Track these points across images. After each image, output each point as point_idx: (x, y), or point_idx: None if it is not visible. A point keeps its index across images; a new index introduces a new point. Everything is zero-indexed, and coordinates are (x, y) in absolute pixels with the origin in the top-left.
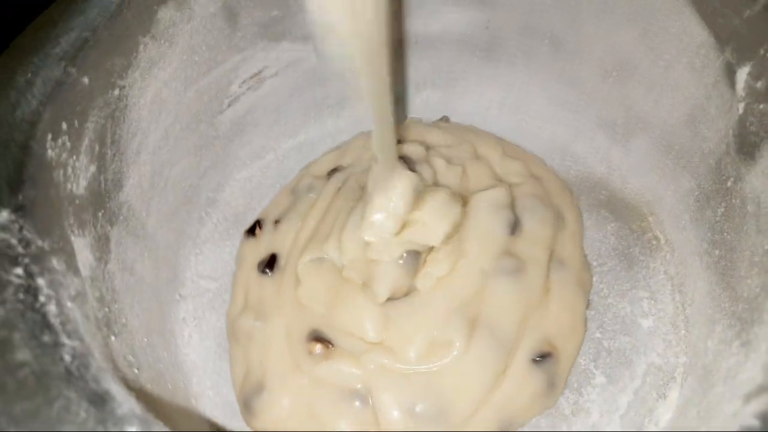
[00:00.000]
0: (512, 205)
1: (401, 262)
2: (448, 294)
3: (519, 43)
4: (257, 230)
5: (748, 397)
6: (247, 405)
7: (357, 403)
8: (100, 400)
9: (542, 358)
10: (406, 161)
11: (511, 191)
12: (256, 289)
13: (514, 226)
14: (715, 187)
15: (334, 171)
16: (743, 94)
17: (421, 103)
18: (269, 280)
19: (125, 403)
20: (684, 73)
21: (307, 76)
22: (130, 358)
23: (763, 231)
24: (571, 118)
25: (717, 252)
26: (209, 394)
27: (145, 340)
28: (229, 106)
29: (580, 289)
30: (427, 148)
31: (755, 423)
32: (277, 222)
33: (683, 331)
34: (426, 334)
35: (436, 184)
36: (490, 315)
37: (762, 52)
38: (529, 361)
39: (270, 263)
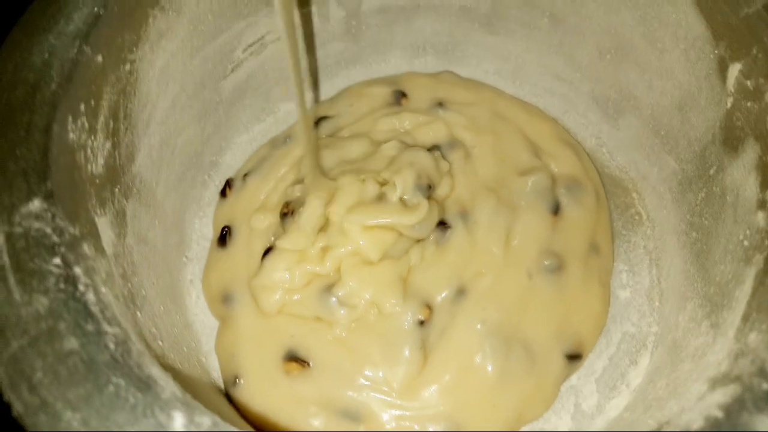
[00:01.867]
0: (553, 188)
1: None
2: (487, 310)
3: (519, 16)
4: (227, 190)
5: (714, 383)
6: (226, 388)
7: (349, 421)
8: (145, 386)
9: (572, 359)
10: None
11: (550, 170)
12: (215, 266)
13: (556, 210)
14: (698, 172)
15: (321, 120)
16: (733, 90)
17: (419, 67)
18: (226, 256)
19: (167, 387)
20: (678, 62)
21: (308, 39)
22: (154, 330)
23: (740, 222)
24: (564, 91)
25: (694, 234)
26: None
27: (162, 308)
28: (232, 71)
29: (608, 278)
30: (440, 103)
31: (719, 415)
32: (246, 176)
33: (657, 303)
34: (455, 367)
35: (467, 156)
36: (529, 327)
37: (755, 51)
38: (564, 360)
39: (223, 237)
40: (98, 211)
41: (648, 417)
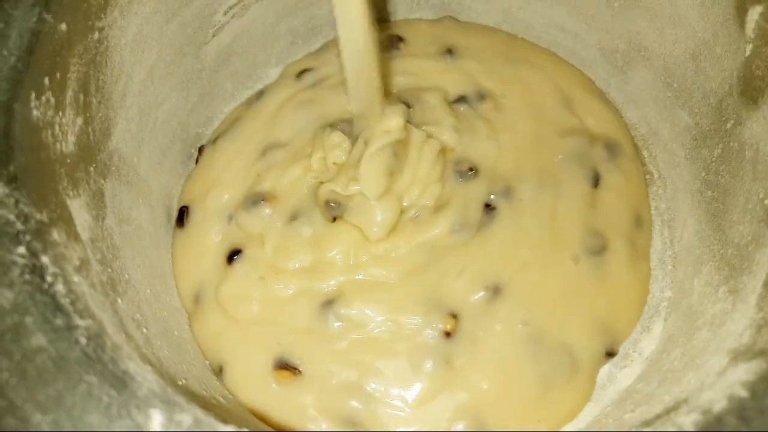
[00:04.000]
0: (590, 151)
1: None
2: (531, 309)
3: None
4: (198, 157)
5: (736, 357)
6: (215, 373)
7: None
8: (120, 383)
9: (610, 355)
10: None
11: (587, 128)
12: (179, 253)
13: (596, 181)
14: (713, 127)
15: (301, 73)
16: (753, 36)
17: None
18: (187, 240)
19: (145, 383)
20: (692, 7)
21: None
22: (138, 316)
23: (760, 179)
24: (570, 44)
25: (710, 193)
26: None
27: (149, 291)
28: (213, 36)
29: (649, 253)
30: (449, 50)
31: (744, 394)
32: (216, 140)
33: (670, 267)
34: (491, 377)
35: (498, 108)
36: (573, 326)
37: None
38: (604, 358)
39: (181, 217)
40: (71, 193)
41: (663, 391)
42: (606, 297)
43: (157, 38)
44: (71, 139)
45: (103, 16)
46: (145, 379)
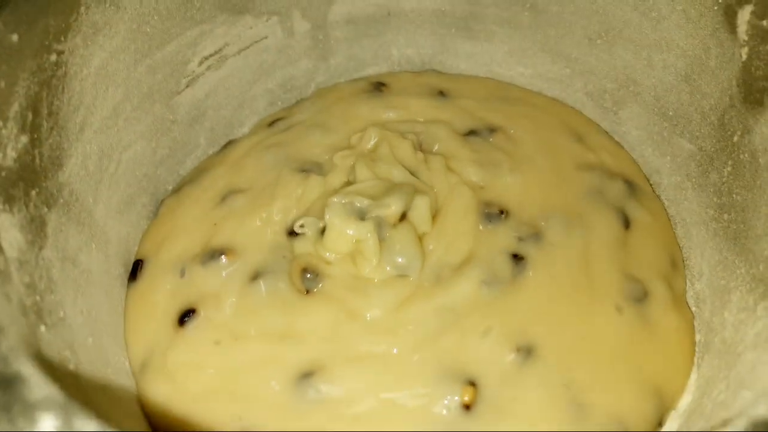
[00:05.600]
0: (613, 189)
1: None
2: (574, 370)
3: (498, 13)
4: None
5: None
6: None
7: None
8: (4, 383)
9: (660, 425)
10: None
11: (606, 165)
12: (128, 311)
13: (626, 222)
14: (719, 145)
15: (276, 121)
16: (746, 38)
17: None
18: (135, 294)
19: (40, 388)
20: (678, 26)
21: (273, 56)
22: (67, 353)
23: None
24: (555, 93)
25: (726, 216)
26: None
27: (90, 340)
28: (187, 86)
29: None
30: (441, 92)
31: None
32: (178, 191)
33: (694, 308)
34: None
35: (510, 140)
36: (624, 390)
37: None
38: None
39: (134, 269)
40: (0, 206)
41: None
42: (655, 350)
43: (124, 77)
44: (11, 153)
45: (63, 39)
46: (44, 386)
